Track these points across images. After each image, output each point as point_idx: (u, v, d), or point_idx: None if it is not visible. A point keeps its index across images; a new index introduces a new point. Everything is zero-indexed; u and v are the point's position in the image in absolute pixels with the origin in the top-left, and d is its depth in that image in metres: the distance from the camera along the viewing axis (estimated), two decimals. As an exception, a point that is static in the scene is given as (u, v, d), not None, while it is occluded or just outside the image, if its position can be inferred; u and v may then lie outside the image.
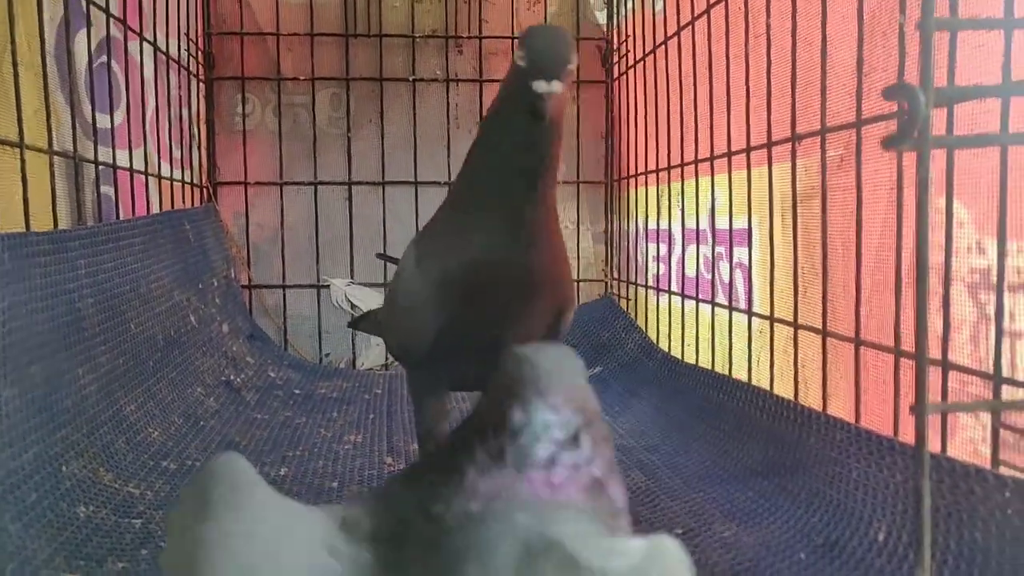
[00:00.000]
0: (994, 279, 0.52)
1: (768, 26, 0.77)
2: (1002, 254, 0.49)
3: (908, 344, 0.60)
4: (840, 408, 0.72)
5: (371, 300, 1.39)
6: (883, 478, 0.58)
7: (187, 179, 1.28)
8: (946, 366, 0.55)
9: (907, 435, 0.60)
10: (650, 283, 1.25)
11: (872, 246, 0.66)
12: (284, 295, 1.44)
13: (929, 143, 0.35)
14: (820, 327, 0.72)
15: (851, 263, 0.68)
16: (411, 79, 1.43)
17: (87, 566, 0.58)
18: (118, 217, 1.01)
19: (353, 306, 1.42)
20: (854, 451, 0.62)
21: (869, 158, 0.64)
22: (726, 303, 0.94)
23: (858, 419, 0.65)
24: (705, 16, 0.95)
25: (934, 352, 0.58)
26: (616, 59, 1.41)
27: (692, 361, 1.03)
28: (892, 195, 0.60)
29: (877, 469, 0.59)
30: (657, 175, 1.18)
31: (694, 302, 1.05)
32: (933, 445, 0.47)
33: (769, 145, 0.79)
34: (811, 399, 0.77)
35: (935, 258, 0.50)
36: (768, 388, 0.80)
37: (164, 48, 1.17)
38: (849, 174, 0.67)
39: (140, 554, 0.60)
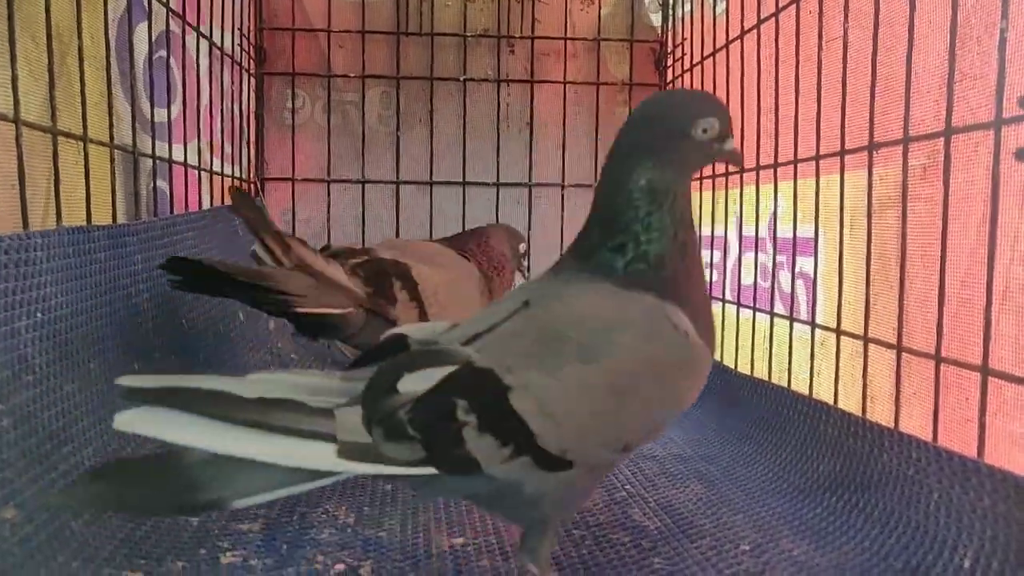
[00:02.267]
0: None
1: (845, 31, 0.75)
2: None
3: (995, 363, 0.58)
4: (909, 425, 0.70)
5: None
6: (968, 500, 0.56)
7: (236, 174, 1.28)
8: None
9: (993, 457, 0.57)
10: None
11: (961, 261, 0.64)
12: (329, 293, 1.43)
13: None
14: (892, 342, 0.69)
15: (930, 277, 0.65)
16: (462, 79, 1.42)
17: (147, 564, 0.57)
18: (172, 211, 1.01)
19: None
20: (934, 471, 0.60)
21: (958, 168, 0.61)
22: (785, 313, 0.92)
23: (935, 438, 0.63)
24: (772, 19, 0.93)
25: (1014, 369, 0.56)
26: (671, 62, 1.39)
27: (745, 371, 1.01)
28: (984, 207, 0.58)
29: (962, 491, 0.56)
30: (713, 180, 1.16)
31: (749, 311, 1.03)
32: None
33: (842, 153, 0.76)
34: (878, 415, 0.74)
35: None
36: (831, 402, 0.78)
37: (218, 42, 1.17)
38: (933, 185, 0.65)
39: (199, 553, 0.59)
